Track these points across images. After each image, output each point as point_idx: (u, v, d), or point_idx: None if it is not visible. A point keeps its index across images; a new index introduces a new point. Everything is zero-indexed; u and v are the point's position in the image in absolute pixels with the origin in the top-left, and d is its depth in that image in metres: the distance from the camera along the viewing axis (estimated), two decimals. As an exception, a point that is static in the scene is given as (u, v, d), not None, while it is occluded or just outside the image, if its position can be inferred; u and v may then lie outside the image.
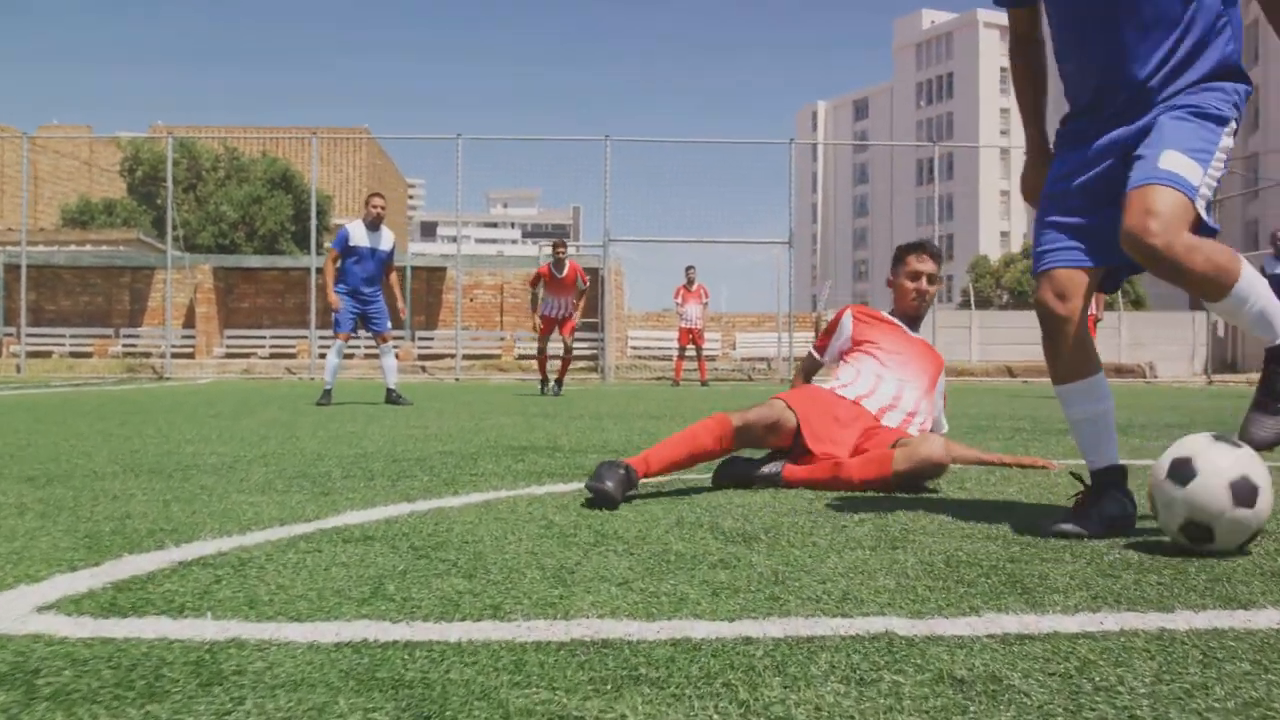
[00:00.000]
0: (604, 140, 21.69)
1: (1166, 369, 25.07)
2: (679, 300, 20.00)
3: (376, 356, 25.51)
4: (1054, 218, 2.97)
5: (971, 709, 1.42)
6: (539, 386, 14.25)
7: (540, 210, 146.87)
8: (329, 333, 10.82)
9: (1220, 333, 26.11)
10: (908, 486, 3.73)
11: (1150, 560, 2.48)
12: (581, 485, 3.91)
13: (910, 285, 4.45)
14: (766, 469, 3.86)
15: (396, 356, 11.32)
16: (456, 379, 21.80)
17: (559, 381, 14.15)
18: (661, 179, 26.03)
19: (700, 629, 1.82)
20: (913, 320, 4.48)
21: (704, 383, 19.77)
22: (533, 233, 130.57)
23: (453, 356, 23.24)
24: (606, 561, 2.45)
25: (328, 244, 10.77)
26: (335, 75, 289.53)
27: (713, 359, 25.00)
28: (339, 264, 10.65)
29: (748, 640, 1.75)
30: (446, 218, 23.92)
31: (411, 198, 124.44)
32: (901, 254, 4.55)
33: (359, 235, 10.63)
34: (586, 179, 22.51)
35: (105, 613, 1.94)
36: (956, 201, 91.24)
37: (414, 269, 27.74)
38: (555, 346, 14.36)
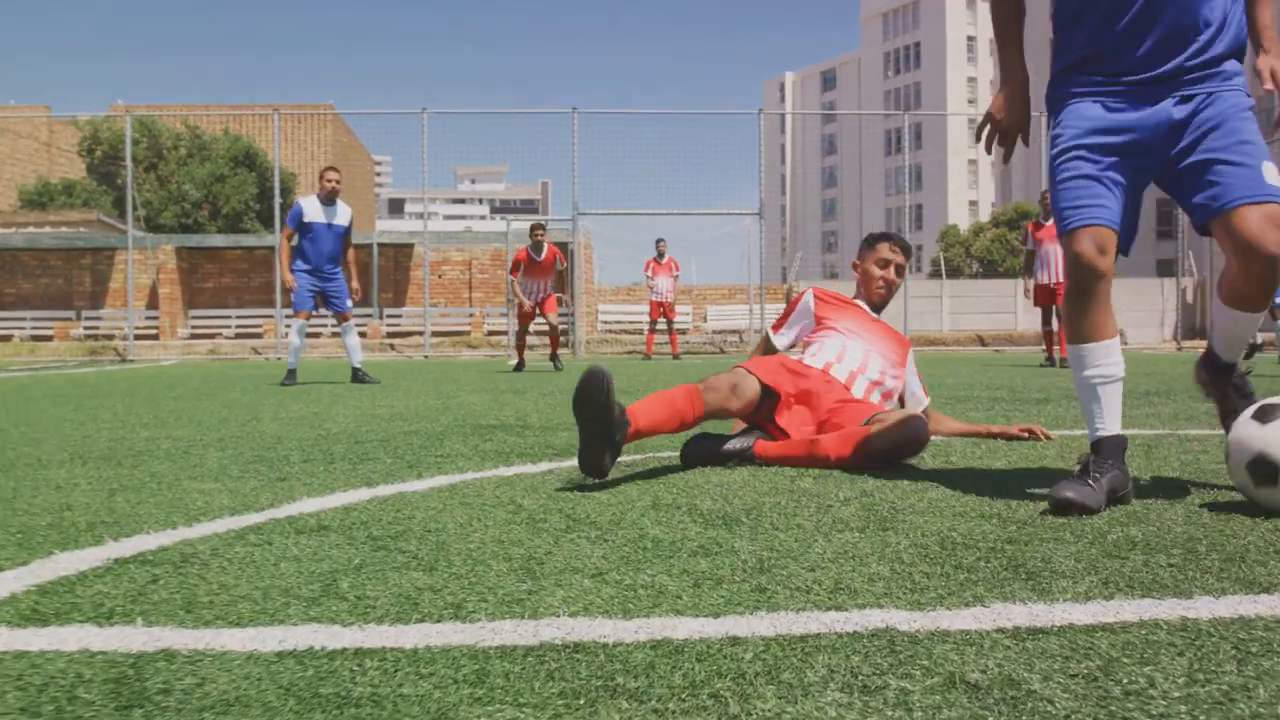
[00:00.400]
0: (571, 113, 21.44)
1: (1136, 335, 25.10)
2: (649, 273, 19.81)
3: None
4: (1093, 171, 2.87)
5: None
6: (514, 366, 14.00)
7: (508, 186, 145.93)
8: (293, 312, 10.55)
9: (1189, 299, 26.18)
10: (887, 463, 3.60)
11: (1157, 538, 2.34)
12: (550, 465, 3.74)
13: (878, 273, 4.41)
14: (735, 444, 3.70)
15: (363, 335, 11.08)
16: (425, 356, 21.57)
17: (554, 357, 14.18)
18: (630, 152, 25.73)
19: (683, 628, 1.66)
20: (875, 308, 4.42)
21: (676, 356, 19.62)
22: (501, 208, 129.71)
23: (421, 334, 22.98)
24: (578, 550, 2.28)
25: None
26: (300, 54, 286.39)
27: (684, 332, 24.85)
28: (294, 242, 10.35)
29: (735, 641, 1.58)
30: (414, 194, 23.66)
31: (378, 175, 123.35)
32: (873, 241, 4.52)
33: (313, 211, 10.29)
34: (554, 153, 22.23)
35: (24, 621, 1.75)
36: (925, 171, 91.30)
37: (380, 246, 27.40)
38: (538, 324, 14.51)
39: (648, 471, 3.58)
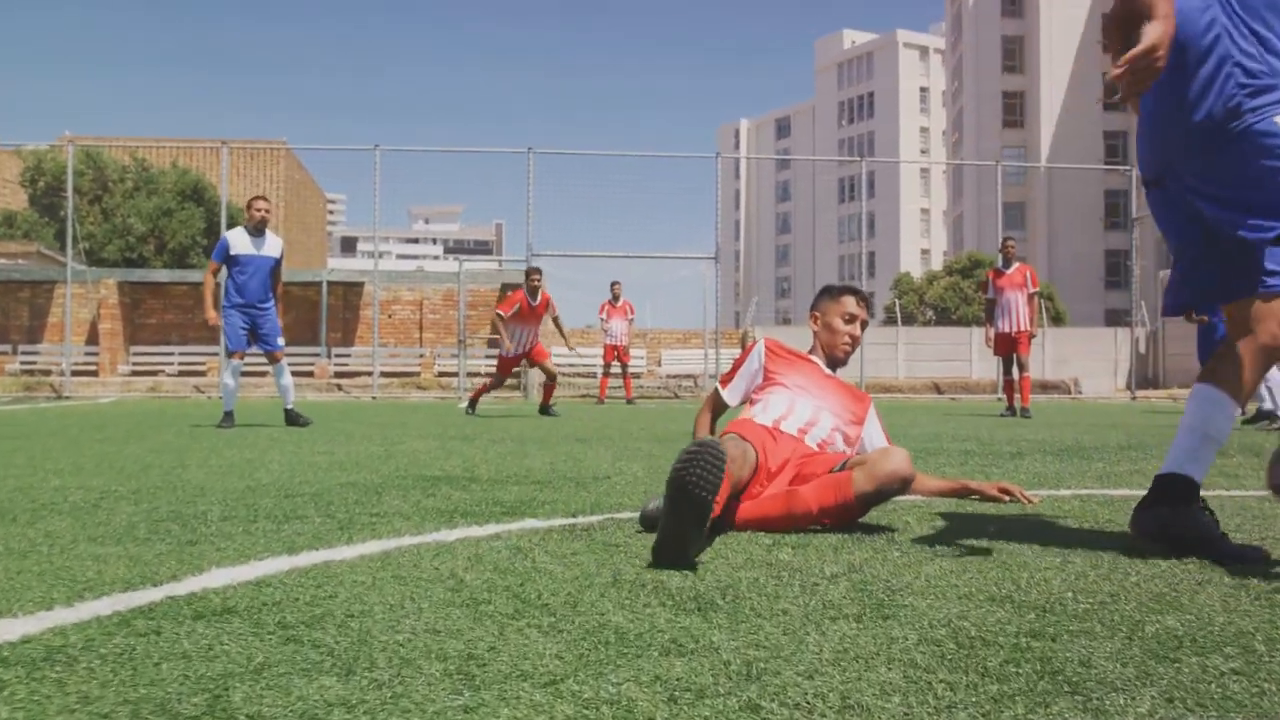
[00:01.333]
0: (526, 152, 21.16)
1: (1090, 385, 25.10)
2: (604, 316, 19.49)
3: (290, 372, 24.72)
4: None
5: None
6: (468, 407, 13.42)
7: (463, 226, 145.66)
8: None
9: (1142, 349, 26.25)
10: (874, 504, 3.29)
11: (1202, 633, 2.01)
12: (498, 527, 3.37)
13: (844, 328, 4.05)
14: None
15: (310, 375, 10.63)
16: (374, 397, 21.07)
17: (548, 407, 13.19)
18: (586, 194, 25.58)
19: (660, 770, 1.30)
20: (832, 364, 4.07)
21: (630, 400, 19.28)
22: (455, 249, 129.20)
23: (370, 374, 22.49)
24: (528, 644, 1.91)
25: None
26: (253, 89, 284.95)
27: (638, 376, 24.50)
28: (220, 277, 9.88)
29: (730, 793, 1.23)
30: (367, 233, 23.18)
31: (332, 212, 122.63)
32: (836, 293, 4.14)
33: (241, 243, 9.76)
34: (509, 194, 22.06)
35: None
36: (878, 219, 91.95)
37: (330, 284, 26.88)
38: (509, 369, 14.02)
39: (606, 537, 3.21)
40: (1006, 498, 4.06)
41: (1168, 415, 13.86)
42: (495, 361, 20.93)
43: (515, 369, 17.28)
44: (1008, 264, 13.56)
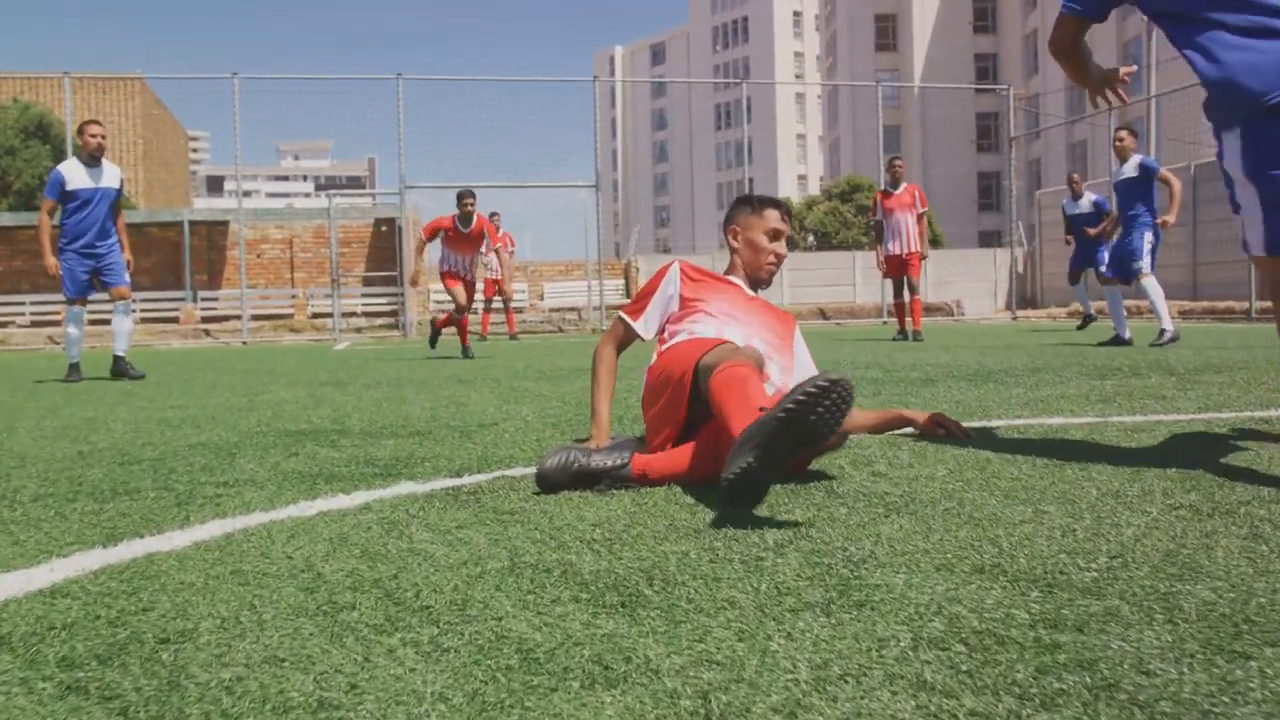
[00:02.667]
0: (396, 79, 20.20)
1: (972, 306, 25.28)
2: (483, 250, 18.77)
3: (151, 319, 23.45)
4: None
5: None
6: (430, 341, 12.50)
7: (333, 162, 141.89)
8: (96, 296, 9.00)
9: (1020, 269, 26.52)
10: (800, 467, 2.87)
11: (1251, 610, 1.61)
12: (368, 495, 2.85)
13: (768, 245, 3.58)
14: (601, 459, 2.83)
15: (176, 320, 9.75)
16: (244, 342, 20.11)
17: (513, 336, 12.77)
18: (460, 123, 24.64)
19: None
20: (755, 284, 3.63)
21: (513, 336, 18.69)
22: (326, 185, 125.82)
23: (239, 318, 21.46)
24: (401, 676, 1.42)
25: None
26: (107, 27, 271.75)
27: (520, 311, 23.89)
28: (56, 218, 8.88)
29: None
30: (234, 171, 21.86)
31: (195, 151, 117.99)
32: (759, 204, 3.64)
33: (77, 175, 8.77)
34: (380, 127, 21.08)
35: None
36: (754, 146, 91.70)
37: (192, 224, 25.50)
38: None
39: (497, 502, 2.71)
40: (940, 430, 3.70)
41: (1054, 334, 13.84)
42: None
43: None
44: (895, 184, 13.27)
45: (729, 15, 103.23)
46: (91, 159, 8.83)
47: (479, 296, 24.75)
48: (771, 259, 3.58)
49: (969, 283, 26.20)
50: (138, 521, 2.60)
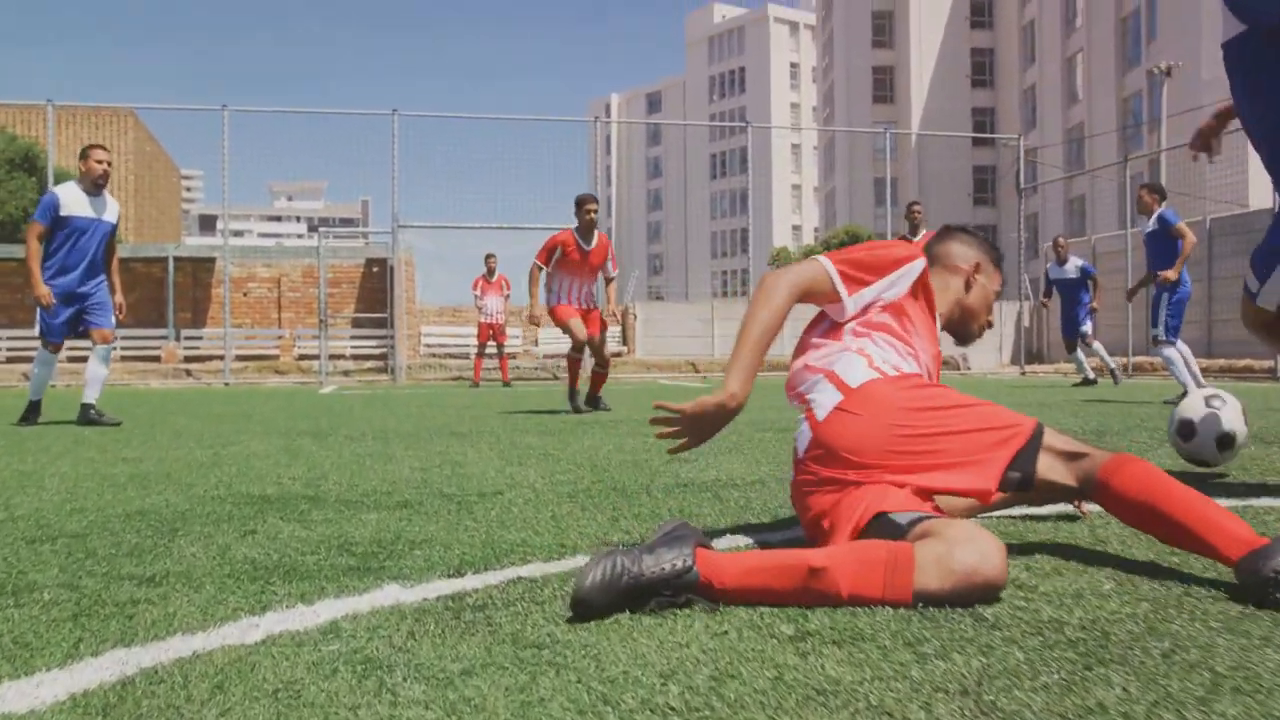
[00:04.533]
0: (391, 115, 19.57)
1: (977, 360, 24.62)
2: (478, 292, 18.09)
3: (131, 357, 22.63)
4: None
5: None
6: (569, 400, 9.46)
7: (327, 204, 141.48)
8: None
9: (1026, 323, 25.91)
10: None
11: None
12: (342, 606, 2.09)
13: (992, 303, 2.90)
14: (658, 566, 2.03)
15: (157, 359, 8.86)
16: (226, 383, 19.31)
17: (596, 398, 9.57)
18: (454, 163, 24.04)
19: None
20: (945, 329, 2.86)
21: (507, 383, 17.95)
22: (319, 226, 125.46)
23: (222, 358, 20.67)
24: None
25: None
26: (100, 58, 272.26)
27: (514, 357, 23.17)
28: (45, 242, 7.89)
29: None
30: (228, 212, 21.11)
31: (188, 190, 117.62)
32: (999, 265, 2.90)
33: (75, 202, 7.90)
34: (375, 168, 20.17)
35: None
36: (750, 196, 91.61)
37: (177, 260, 24.79)
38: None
39: (515, 624, 1.96)
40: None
41: (1075, 391, 13.12)
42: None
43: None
44: (914, 231, 12.60)
45: (726, 66, 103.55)
46: (95, 187, 7.97)
47: (471, 340, 24.09)
48: (987, 321, 2.88)
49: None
50: (5, 652, 1.84)
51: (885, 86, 73.37)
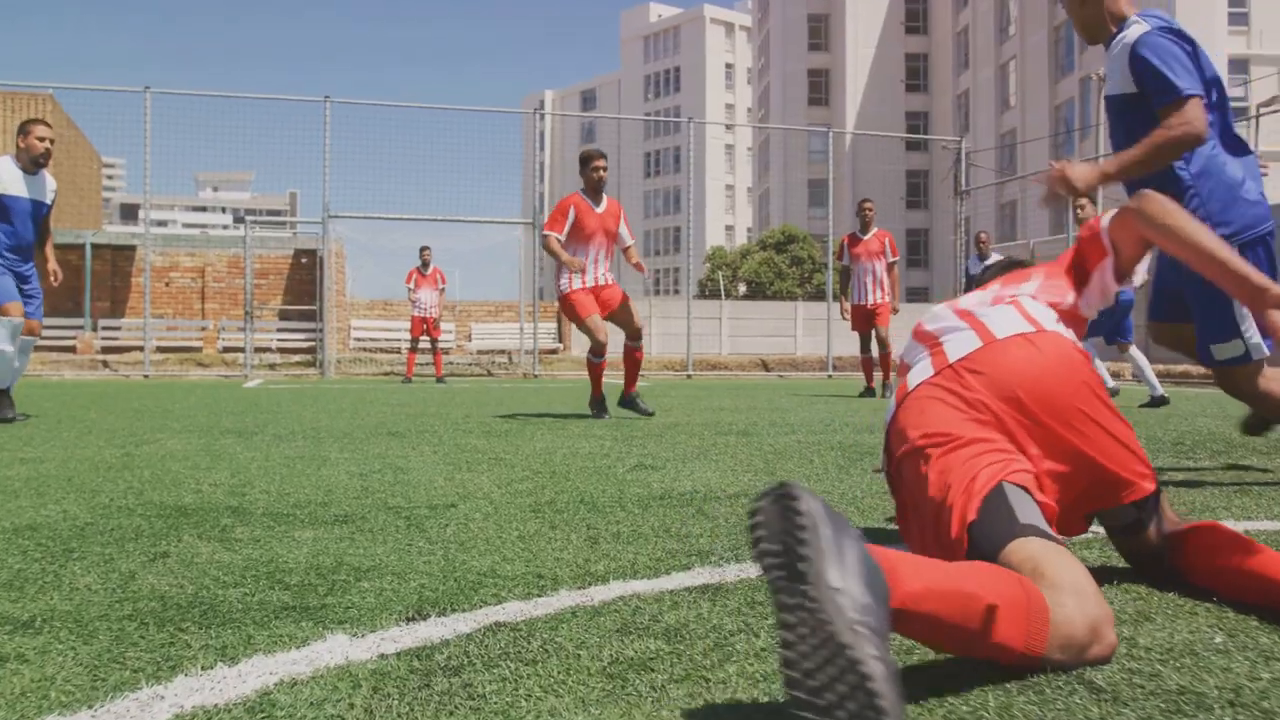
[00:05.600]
0: (323, 101, 18.87)
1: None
2: (411, 285, 17.49)
3: (44, 347, 21.62)
4: None
5: None
6: (591, 407, 8.08)
7: (254, 195, 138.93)
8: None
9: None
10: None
11: None
12: (266, 677, 1.62)
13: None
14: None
15: (73, 350, 8.08)
16: (145, 376, 18.49)
17: (632, 397, 8.15)
18: (388, 152, 23.36)
19: None
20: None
21: (440, 379, 17.37)
22: (245, 218, 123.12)
23: (141, 349, 19.83)
24: None
25: None
26: (15, 39, 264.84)
27: (447, 352, 22.57)
28: None
29: None
30: (150, 200, 20.03)
31: (110, 178, 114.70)
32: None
33: (12, 179, 7.24)
34: (304, 159, 19.51)
35: None
36: (683, 195, 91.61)
37: (95, 247, 23.81)
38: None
39: (505, 702, 1.51)
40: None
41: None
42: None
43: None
44: (865, 229, 12.30)
45: (661, 65, 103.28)
46: (34, 165, 7.28)
47: (403, 335, 23.39)
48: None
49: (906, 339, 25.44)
50: None
51: (820, 89, 73.53)
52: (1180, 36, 3.60)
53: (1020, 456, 1.95)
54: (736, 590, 2.20)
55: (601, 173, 8.07)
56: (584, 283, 7.93)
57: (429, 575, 2.32)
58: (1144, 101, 3.60)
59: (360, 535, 2.83)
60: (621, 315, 8.04)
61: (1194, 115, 3.45)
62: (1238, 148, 3.70)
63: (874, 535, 2.84)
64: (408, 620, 1.93)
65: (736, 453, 5.14)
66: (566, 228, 7.90)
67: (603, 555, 2.57)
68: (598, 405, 8.01)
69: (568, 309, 7.97)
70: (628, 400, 8.15)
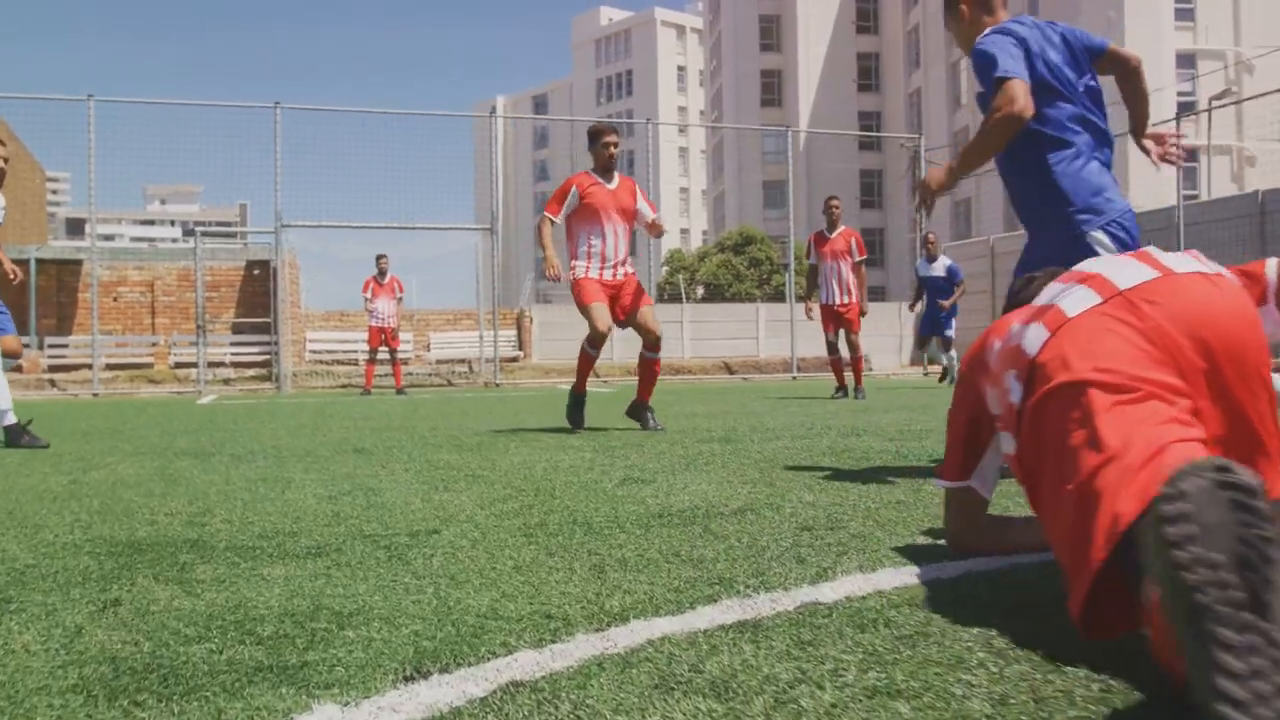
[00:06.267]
0: (274, 108, 18.44)
1: (878, 361, 24.38)
2: (369, 295, 17.09)
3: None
4: None
5: None
6: (568, 412, 7.20)
7: (203, 208, 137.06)
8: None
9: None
10: None
11: None
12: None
13: None
14: None
15: (19, 370, 7.58)
16: (95, 394, 17.96)
17: (641, 406, 7.17)
18: (341, 160, 22.86)
19: None
20: None
21: (400, 390, 16.98)
22: (194, 231, 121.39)
23: (90, 367, 19.28)
24: None
25: None
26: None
27: (406, 362, 22.13)
28: None
29: None
30: (97, 215, 19.48)
31: (54, 193, 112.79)
32: None
33: None
34: (254, 169, 19.03)
35: None
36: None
37: (40, 262, 23.14)
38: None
39: None
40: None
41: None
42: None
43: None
44: (832, 228, 12.08)
45: (613, 68, 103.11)
46: None
47: (360, 346, 22.87)
48: None
49: (874, 338, 25.30)
50: None
51: (773, 90, 73.60)
52: (1010, 32, 3.73)
53: (1196, 422, 1.68)
54: (776, 628, 1.92)
55: (613, 149, 7.22)
56: (600, 274, 7.06)
57: (422, 619, 2.03)
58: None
59: (337, 570, 2.53)
60: (638, 321, 7.12)
61: (1014, 94, 3.51)
62: (1103, 143, 3.80)
63: (908, 551, 2.58)
64: (406, 680, 1.65)
65: (725, 462, 4.87)
66: (564, 210, 7.10)
67: (614, 587, 2.29)
68: (575, 409, 7.13)
69: (575, 293, 7.12)
70: (637, 408, 7.21)
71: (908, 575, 2.36)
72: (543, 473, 4.57)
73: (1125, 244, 3.60)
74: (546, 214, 7.20)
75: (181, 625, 2.02)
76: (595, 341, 7.00)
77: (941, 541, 2.73)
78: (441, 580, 2.39)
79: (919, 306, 16.41)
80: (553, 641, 1.86)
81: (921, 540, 2.78)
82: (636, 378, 7.35)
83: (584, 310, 7.00)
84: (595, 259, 7.05)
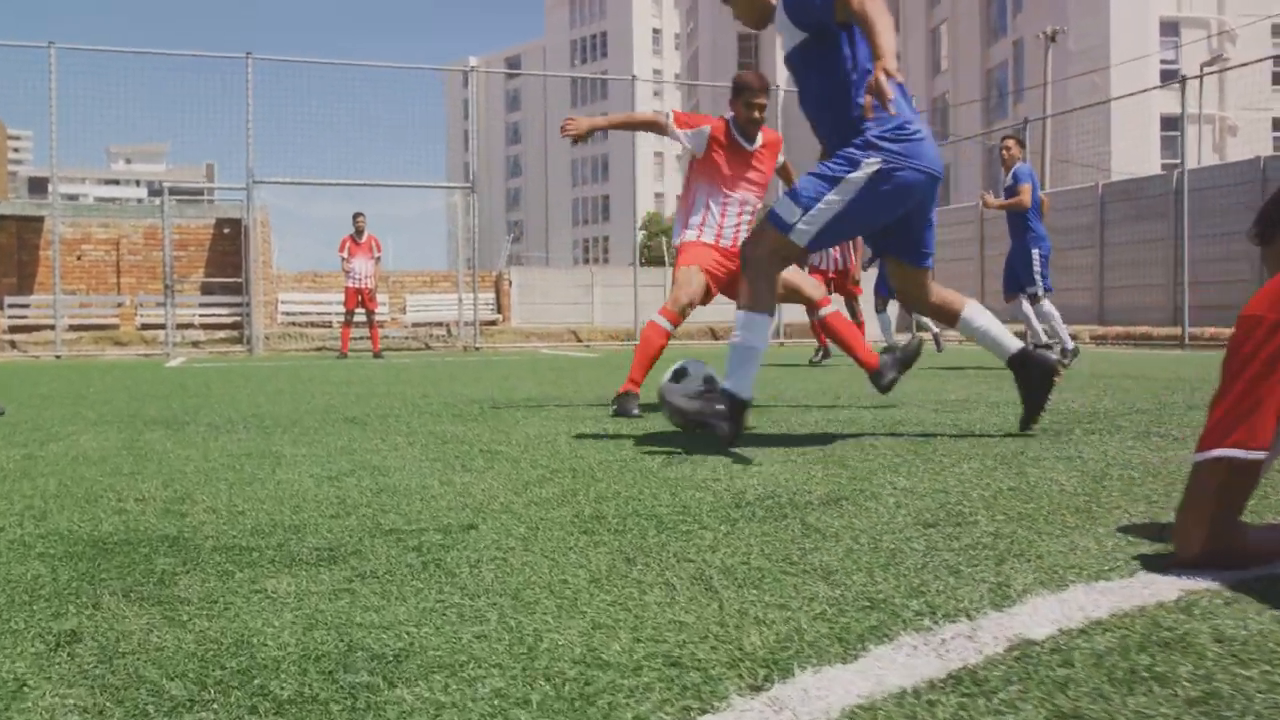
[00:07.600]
0: (245, 58, 17.62)
1: (869, 326, 23.87)
2: (345, 254, 16.40)
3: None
4: None
5: None
6: (616, 400, 5.62)
7: (170, 167, 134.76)
8: None
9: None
10: None
11: None
12: None
13: None
14: None
15: None
16: (58, 356, 17.21)
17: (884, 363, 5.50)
18: (313, 115, 21.94)
19: None
20: None
21: (378, 354, 16.32)
22: (160, 192, 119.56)
23: (52, 328, 18.49)
24: None
25: None
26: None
27: (383, 325, 21.44)
28: None
29: None
30: (60, 173, 18.51)
31: (15, 150, 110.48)
32: None
33: None
34: (224, 125, 18.17)
35: None
36: (612, 162, 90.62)
37: (0, 219, 22.28)
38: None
39: None
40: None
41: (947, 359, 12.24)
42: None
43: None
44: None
45: (587, 30, 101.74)
46: None
47: (334, 308, 22.20)
48: None
49: (863, 301, 24.84)
50: None
51: (750, 54, 72.75)
52: None
53: None
54: (1004, 682, 1.37)
55: (758, 113, 5.53)
56: (717, 230, 5.58)
57: (498, 667, 1.47)
58: (816, 41, 3.76)
59: (362, 584, 1.96)
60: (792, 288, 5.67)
61: None
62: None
63: (1078, 557, 2.03)
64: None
65: (770, 435, 4.32)
66: (683, 139, 5.59)
67: (740, 614, 1.73)
68: (625, 399, 5.53)
69: (679, 254, 5.69)
70: (881, 369, 5.40)
71: (1114, 596, 1.80)
72: (568, 447, 4.00)
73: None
74: (671, 114, 5.67)
75: (164, 678, 1.44)
76: (671, 317, 5.66)
77: (1111, 543, 2.19)
78: (503, 600, 1.83)
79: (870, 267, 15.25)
80: (700, 711, 1.30)
81: (1081, 540, 2.24)
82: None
83: (677, 274, 5.64)
84: (711, 222, 5.58)
